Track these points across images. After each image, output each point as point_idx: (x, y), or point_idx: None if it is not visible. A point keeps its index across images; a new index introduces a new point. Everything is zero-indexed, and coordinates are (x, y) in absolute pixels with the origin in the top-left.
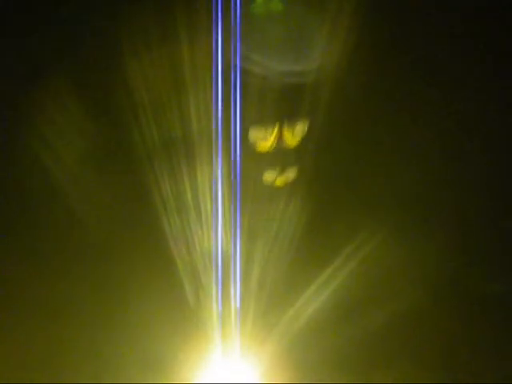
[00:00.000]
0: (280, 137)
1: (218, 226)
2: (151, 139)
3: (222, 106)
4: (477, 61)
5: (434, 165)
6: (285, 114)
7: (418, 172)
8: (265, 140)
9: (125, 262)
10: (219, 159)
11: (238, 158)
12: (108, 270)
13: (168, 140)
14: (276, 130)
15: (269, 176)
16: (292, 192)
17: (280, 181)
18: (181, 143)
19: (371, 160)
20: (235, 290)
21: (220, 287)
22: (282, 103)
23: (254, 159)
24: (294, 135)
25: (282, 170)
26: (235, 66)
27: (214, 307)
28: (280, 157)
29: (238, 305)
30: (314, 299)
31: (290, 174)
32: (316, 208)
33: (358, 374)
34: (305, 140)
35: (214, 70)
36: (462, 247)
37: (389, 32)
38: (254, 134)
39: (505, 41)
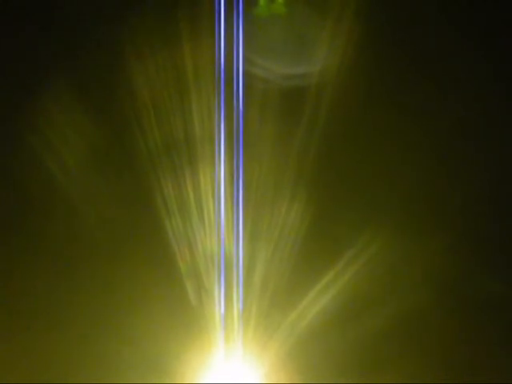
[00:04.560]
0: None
1: (220, 228)
2: (154, 141)
3: (224, 108)
4: (479, 63)
5: (435, 166)
6: (287, 117)
7: (419, 174)
8: None
9: (127, 264)
10: (222, 161)
11: (240, 160)
12: (111, 271)
13: (171, 142)
14: None
15: None
16: (294, 194)
17: None
18: (183, 145)
19: (373, 162)
20: (238, 292)
21: (223, 289)
22: (284, 106)
23: (256, 162)
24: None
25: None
26: (238, 68)
27: (217, 309)
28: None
29: (240, 307)
30: (316, 301)
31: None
32: (318, 210)
33: (360, 376)
34: (307, 142)
35: (216, 72)
36: (465, 248)
37: (391, 35)
38: None
39: (506, 42)
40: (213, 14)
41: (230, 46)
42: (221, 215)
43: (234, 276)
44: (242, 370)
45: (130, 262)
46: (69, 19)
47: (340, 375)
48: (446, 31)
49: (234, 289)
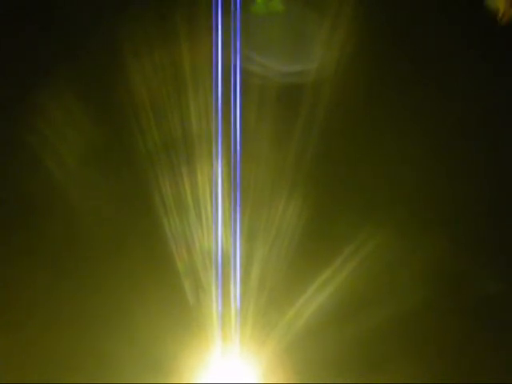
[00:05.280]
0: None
1: (218, 226)
2: (152, 140)
3: (222, 106)
4: (478, 62)
5: (434, 165)
6: (285, 115)
7: (418, 172)
8: None
9: (125, 263)
10: (219, 159)
11: (237, 159)
12: (108, 270)
13: (168, 140)
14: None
15: None
16: (292, 192)
17: None
18: (181, 144)
19: (372, 160)
20: (235, 290)
21: (220, 287)
22: (282, 104)
23: (253, 160)
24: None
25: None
26: (235, 66)
27: (214, 307)
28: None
29: (237, 305)
30: (314, 299)
31: None
32: (316, 208)
33: (358, 375)
34: (305, 140)
35: (214, 70)
36: (464, 247)
37: (389, 33)
38: None
39: (506, 42)
40: (210, 12)
41: (228, 43)
42: (218, 213)
43: (232, 274)
44: (239, 369)
45: (127, 260)
46: (68, 19)
47: (338, 374)
48: (445, 31)
49: (232, 287)
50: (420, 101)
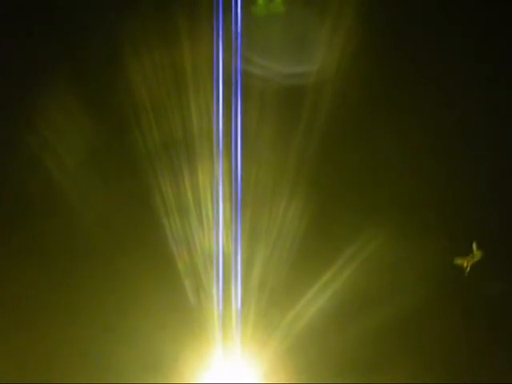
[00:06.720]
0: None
1: (219, 227)
2: (153, 141)
3: (223, 107)
4: (479, 63)
5: (434, 167)
6: (285, 116)
7: (418, 173)
8: None
9: (126, 264)
10: (220, 161)
11: (239, 160)
12: (109, 271)
13: (169, 142)
14: None
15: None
16: (293, 193)
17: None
18: (182, 145)
19: (372, 161)
20: (236, 291)
21: (221, 288)
22: (282, 104)
23: (254, 161)
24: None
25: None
26: (236, 67)
27: (215, 308)
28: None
29: (239, 306)
30: (315, 300)
31: None
32: (317, 209)
33: (359, 375)
34: (306, 141)
35: (215, 71)
36: (464, 247)
37: (390, 35)
38: None
39: (506, 42)
40: (211, 13)
41: (229, 44)
42: (219, 214)
43: (233, 275)
44: (240, 369)
45: (128, 260)
46: (68, 19)
47: (338, 374)
48: (446, 31)
49: (233, 288)
50: (420, 101)
